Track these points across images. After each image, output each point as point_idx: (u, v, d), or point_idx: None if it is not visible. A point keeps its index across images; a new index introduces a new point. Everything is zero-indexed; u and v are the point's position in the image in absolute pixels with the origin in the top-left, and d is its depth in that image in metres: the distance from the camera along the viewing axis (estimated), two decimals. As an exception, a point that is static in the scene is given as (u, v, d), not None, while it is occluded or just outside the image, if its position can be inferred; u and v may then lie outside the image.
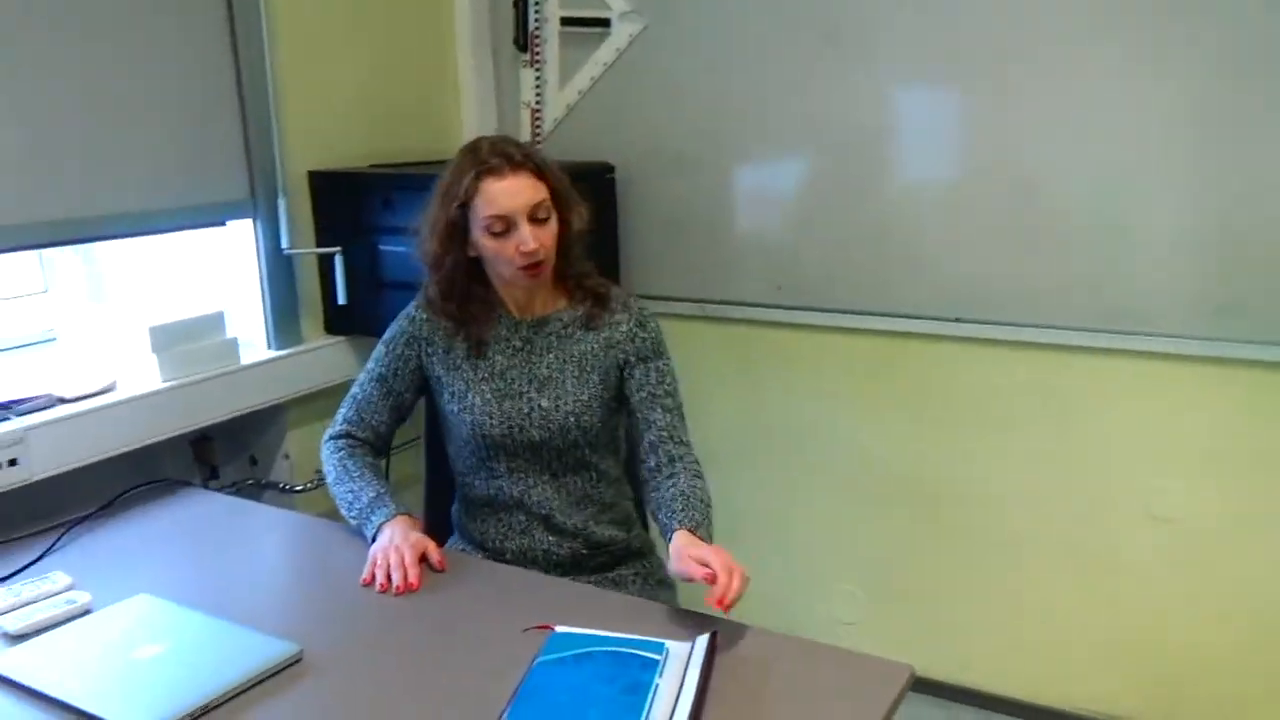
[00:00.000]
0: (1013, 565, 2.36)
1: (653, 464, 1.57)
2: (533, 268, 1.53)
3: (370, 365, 1.68)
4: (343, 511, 1.59)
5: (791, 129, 2.33)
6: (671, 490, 1.51)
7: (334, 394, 2.26)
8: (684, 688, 1.16)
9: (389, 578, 1.43)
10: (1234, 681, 2.20)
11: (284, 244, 2.12)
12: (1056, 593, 2.32)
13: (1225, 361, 2.05)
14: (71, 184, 1.76)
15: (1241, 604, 2.16)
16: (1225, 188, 1.97)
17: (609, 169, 2.47)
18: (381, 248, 2.20)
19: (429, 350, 1.64)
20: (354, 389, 1.69)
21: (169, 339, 1.90)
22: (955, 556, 2.41)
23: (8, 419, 1.66)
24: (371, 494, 1.56)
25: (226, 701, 1.15)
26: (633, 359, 1.61)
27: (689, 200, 2.47)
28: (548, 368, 1.61)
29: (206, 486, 2.12)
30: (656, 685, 1.17)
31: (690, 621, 1.34)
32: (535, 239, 1.51)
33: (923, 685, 2.50)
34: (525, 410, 1.59)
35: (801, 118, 2.30)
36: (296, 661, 1.24)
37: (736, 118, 2.36)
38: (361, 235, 2.19)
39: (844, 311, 2.37)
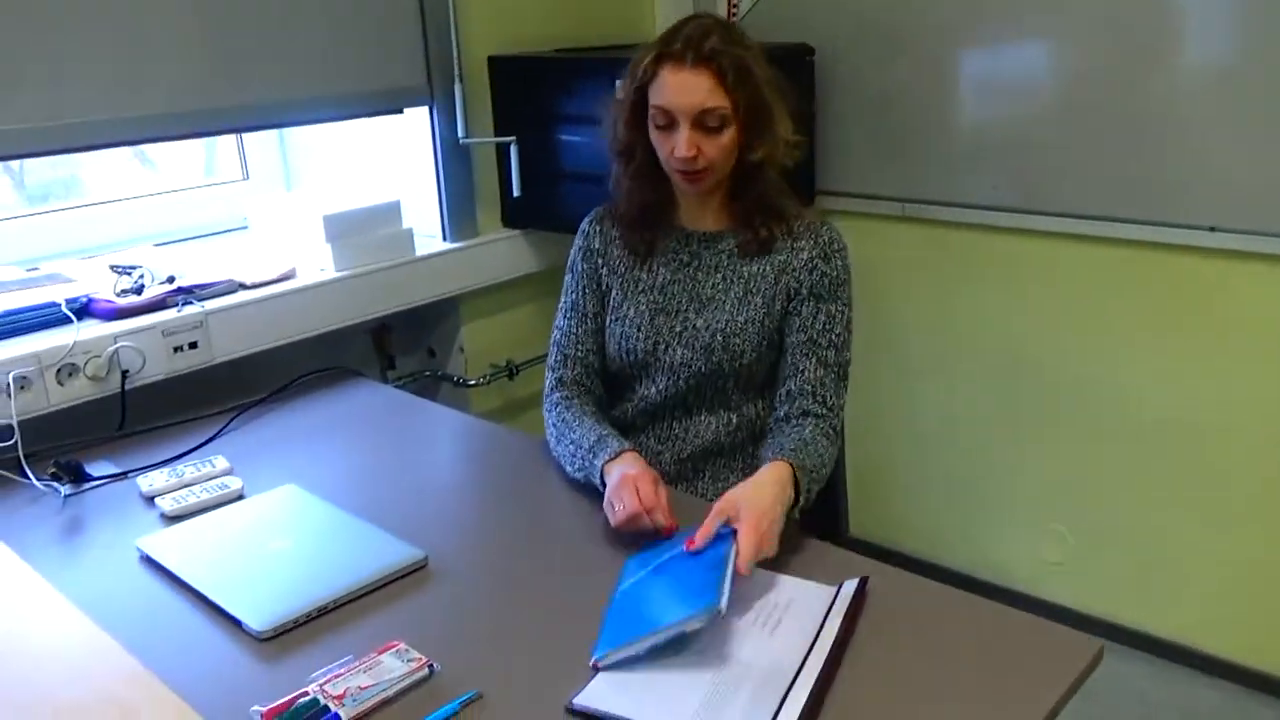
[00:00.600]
0: (1254, 518, 2.03)
1: (783, 414, 1.41)
2: (691, 175, 1.37)
3: (561, 300, 1.56)
4: (569, 471, 1.40)
5: (1029, 4, 2.01)
6: (793, 436, 1.35)
7: (509, 290, 2.22)
8: (820, 636, 1.02)
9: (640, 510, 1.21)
10: None
11: (460, 133, 2.06)
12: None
13: None
14: (248, 70, 1.75)
15: None
16: None
17: (808, 51, 2.23)
18: (562, 138, 2.09)
19: (603, 261, 1.52)
20: (553, 332, 1.56)
21: (343, 229, 1.90)
22: (1184, 503, 2.10)
23: (190, 303, 1.71)
24: (593, 438, 1.37)
25: (343, 605, 1.13)
26: (804, 292, 1.42)
27: (897, 87, 2.21)
28: (712, 288, 1.45)
29: (384, 376, 2.15)
30: (729, 553, 1.10)
31: (839, 562, 1.20)
32: (691, 145, 1.34)
33: (1131, 638, 2.24)
34: (676, 329, 1.44)
35: (1036, -13, 1.98)
36: (420, 568, 1.20)
37: (957, -11, 2.07)
38: (542, 124, 2.09)
39: (1076, 216, 2.06)
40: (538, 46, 2.17)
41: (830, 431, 1.39)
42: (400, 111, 2.02)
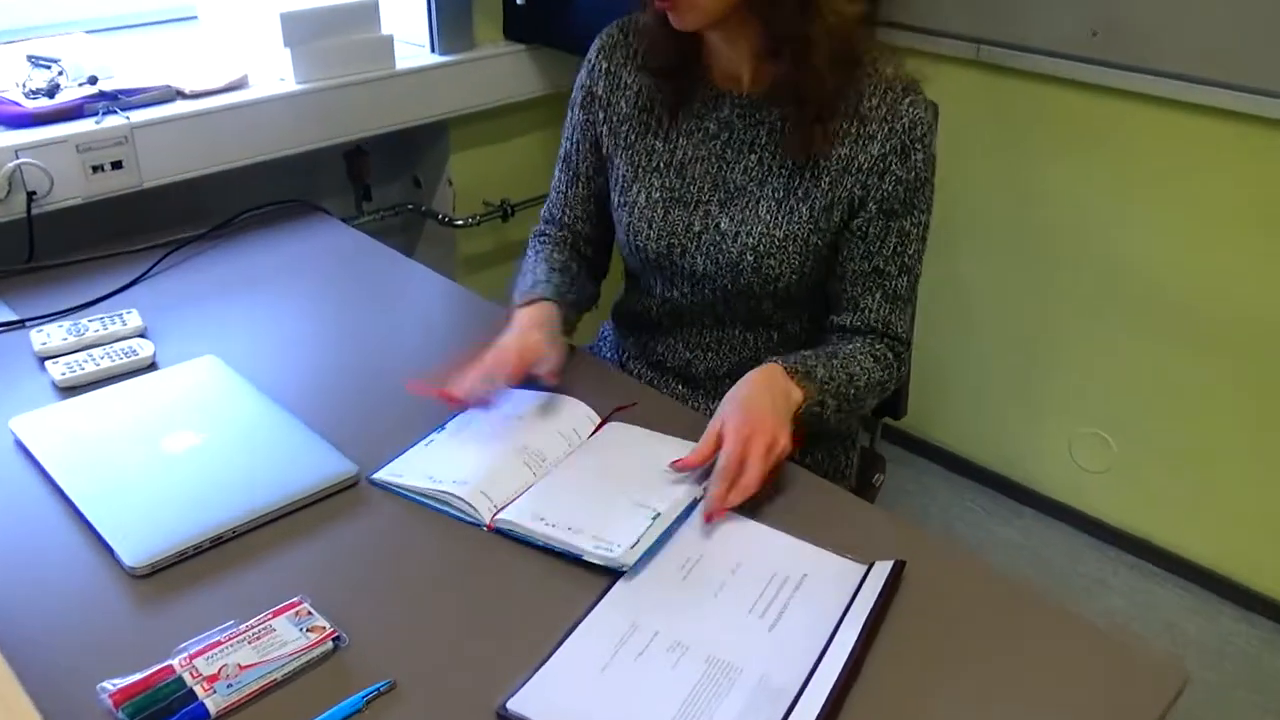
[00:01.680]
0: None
1: (835, 340, 1.14)
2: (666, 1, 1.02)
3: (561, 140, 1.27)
4: None
5: None
6: (826, 347, 1.10)
7: (507, 114, 1.90)
8: (835, 640, 0.80)
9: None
10: None
11: (456, -81, 1.70)
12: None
13: None
14: None
15: None
16: None
17: None
18: (579, -69, 1.73)
19: (605, 116, 1.19)
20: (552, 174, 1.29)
21: (306, 31, 1.58)
22: (1250, 416, 1.85)
23: (114, 112, 1.42)
24: (528, 282, 1.17)
25: (244, 534, 0.91)
26: (871, 207, 1.08)
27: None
28: (744, 173, 1.12)
29: (359, 208, 1.87)
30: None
31: (875, 536, 0.96)
32: None
33: (1168, 561, 2.04)
34: (695, 228, 1.14)
35: None
36: (350, 486, 0.97)
37: None
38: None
39: (1188, 80, 1.70)
40: None
41: (885, 356, 1.12)
42: (383, -114, 1.65)
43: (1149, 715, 0.77)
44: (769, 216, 1.10)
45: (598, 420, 1.07)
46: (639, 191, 1.17)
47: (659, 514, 0.92)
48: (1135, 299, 1.91)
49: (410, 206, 1.94)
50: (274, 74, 1.60)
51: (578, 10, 1.75)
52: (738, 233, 1.12)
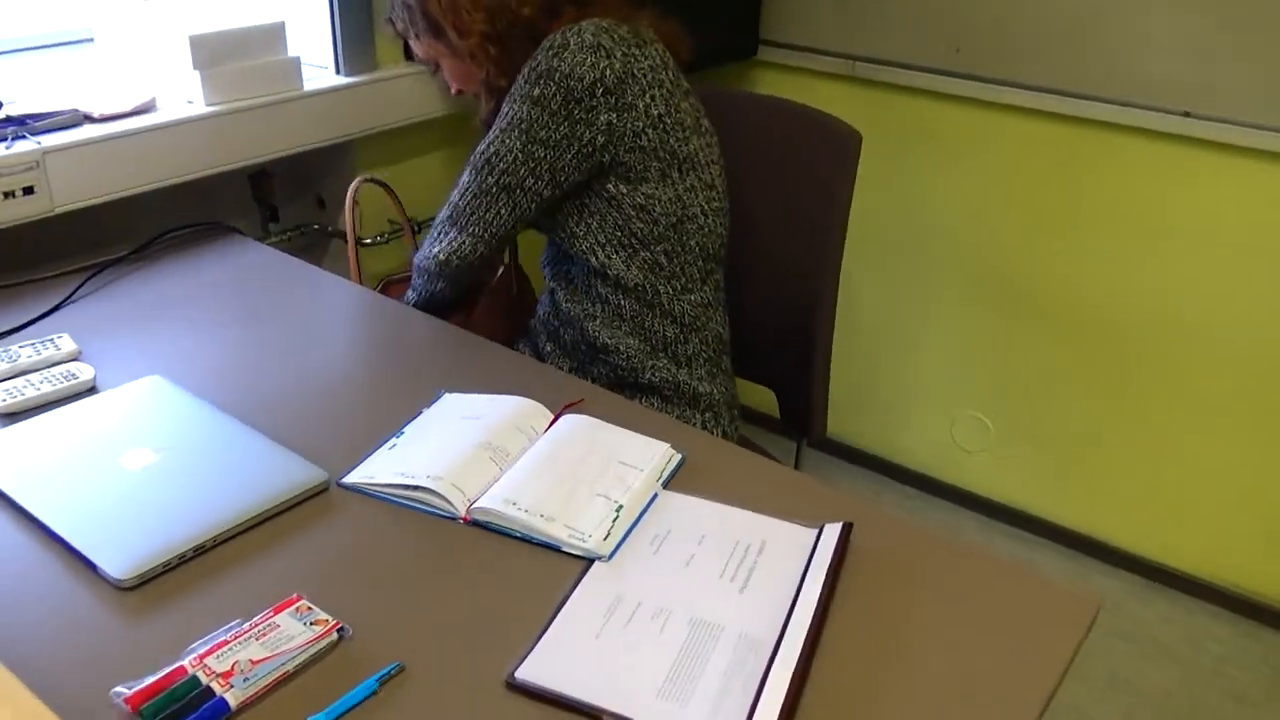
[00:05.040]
0: (1182, 412, 2.00)
1: None
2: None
3: None
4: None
5: None
6: None
7: (410, 134, 1.94)
8: (800, 595, 0.89)
9: None
10: None
11: (357, -57, 1.73)
12: (1233, 451, 1.97)
13: None
14: None
15: None
16: None
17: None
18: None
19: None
20: None
21: (216, 53, 1.58)
22: (1109, 395, 2.06)
23: (24, 138, 1.40)
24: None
25: (225, 541, 0.93)
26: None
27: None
28: None
29: (265, 229, 1.87)
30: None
31: (814, 499, 1.06)
32: (450, 86, 1.47)
33: (1042, 528, 2.23)
34: None
35: None
36: (321, 492, 1.01)
37: None
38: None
39: (1041, 90, 1.89)
40: None
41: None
42: (284, -90, 1.67)
43: (1076, 633, 0.89)
44: None
45: (550, 416, 1.14)
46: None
47: (621, 506, 0.99)
48: (1005, 291, 2.09)
49: (316, 227, 1.95)
50: (181, 96, 1.60)
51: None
52: None
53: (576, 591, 0.89)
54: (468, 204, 1.32)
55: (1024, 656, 0.86)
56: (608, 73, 1.22)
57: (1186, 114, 1.76)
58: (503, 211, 1.31)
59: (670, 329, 1.37)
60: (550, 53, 1.23)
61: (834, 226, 1.40)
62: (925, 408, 2.30)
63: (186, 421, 1.08)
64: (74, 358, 1.20)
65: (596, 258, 1.33)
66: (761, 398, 1.67)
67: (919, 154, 2.09)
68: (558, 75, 1.22)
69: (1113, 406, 2.06)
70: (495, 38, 1.32)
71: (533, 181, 1.28)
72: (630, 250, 1.32)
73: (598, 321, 1.37)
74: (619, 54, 1.23)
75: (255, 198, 1.84)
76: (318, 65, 1.80)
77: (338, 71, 1.80)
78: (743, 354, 1.52)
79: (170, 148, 1.54)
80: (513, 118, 1.26)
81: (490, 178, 1.29)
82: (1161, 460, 2.05)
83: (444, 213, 1.37)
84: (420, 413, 1.13)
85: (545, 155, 1.26)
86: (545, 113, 1.24)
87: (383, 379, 1.21)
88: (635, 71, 1.24)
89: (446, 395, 1.17)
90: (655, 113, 1.26)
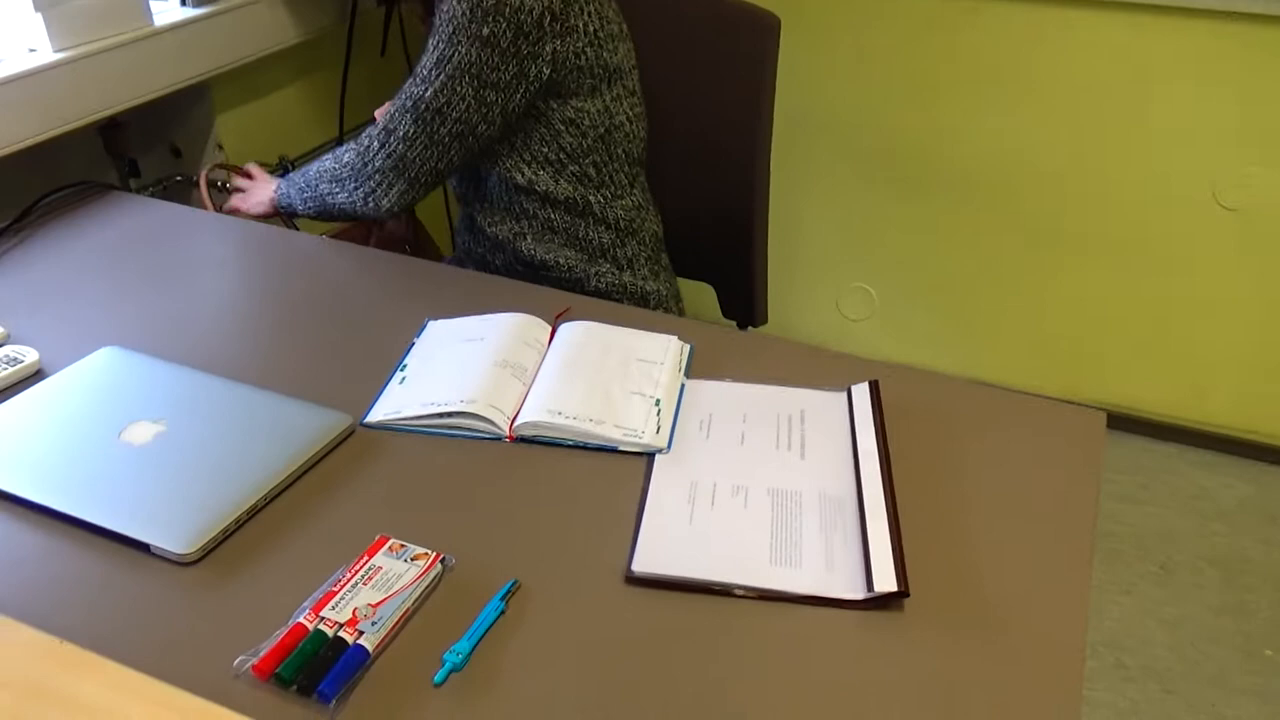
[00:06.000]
0: (1050, 256, 2.19)
1: None
2: None
3: None
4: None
5: None
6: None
7: (267, 67, 1.81)
8: (860, 451, 0.93)
9: None
10: None
11: None
12: (1098, 286, 2.18)
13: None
14: None
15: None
16: None
17: None
18: None
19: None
20: None
21: (54, -9, 1.40)
22: (987, 249, 2.22)
23: None
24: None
25: (274, 499, 0.88)
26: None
27: None
28: None
29: (126, 185, 1.70)
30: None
31: (820, 365, 1.10)
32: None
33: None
34: None
35: None
36: (349, 435, 0.96)
37: None
38: None
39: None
40: None
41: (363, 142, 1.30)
42: None
43: (1097, 444, 0.98)
44: None
45: (549, 327, 1.12)
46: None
47: (659, 399, 1.00)
48: (880, 164, 2.20)
49: (179, 178, 1.79)
50: (20, 45, 1.41)
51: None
52: None
53: (652, 485, 0.90)
54: (418, 155, 1.25)
55: (1062, 471, 0.95)
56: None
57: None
58: (455, 159, 1.26)
59: (606, 235, 1.36)
60: None
61: (762, 114, 1.43)
62: (811, 286, 2.40)
63: (171, 387, 0.99)
64: (3, 342, 1.07)
65: (523, 174, 1.30)
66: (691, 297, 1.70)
67: (788, 33, 2.14)
68: (507, 10, 1.16)
69: (987, 258, 2.22)
70: None
71: (485, 127, 1.23)
72: (558, 165, 1.30)
73: (529, 240, 1.35)
74: None
75: (109, 151, 1.66)
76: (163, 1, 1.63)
77: (183, 2, 1.64)
78: (679, 252, 1.54)
79: (20, 105, 1.37)
80: (460, 61, 1.19)
81: (443, 128, 1.23)
82: (1034, 300, 2.24)
83: (380, 160, 1.27)
84: (413, 344, 1.09)
85: (497, 99, 1.21)
86: (495, 53, 1.18)
87: (351, 317, 1.15)
88: None
89: (431, 323, 1.13)
90: (592, 29, 1.24)
